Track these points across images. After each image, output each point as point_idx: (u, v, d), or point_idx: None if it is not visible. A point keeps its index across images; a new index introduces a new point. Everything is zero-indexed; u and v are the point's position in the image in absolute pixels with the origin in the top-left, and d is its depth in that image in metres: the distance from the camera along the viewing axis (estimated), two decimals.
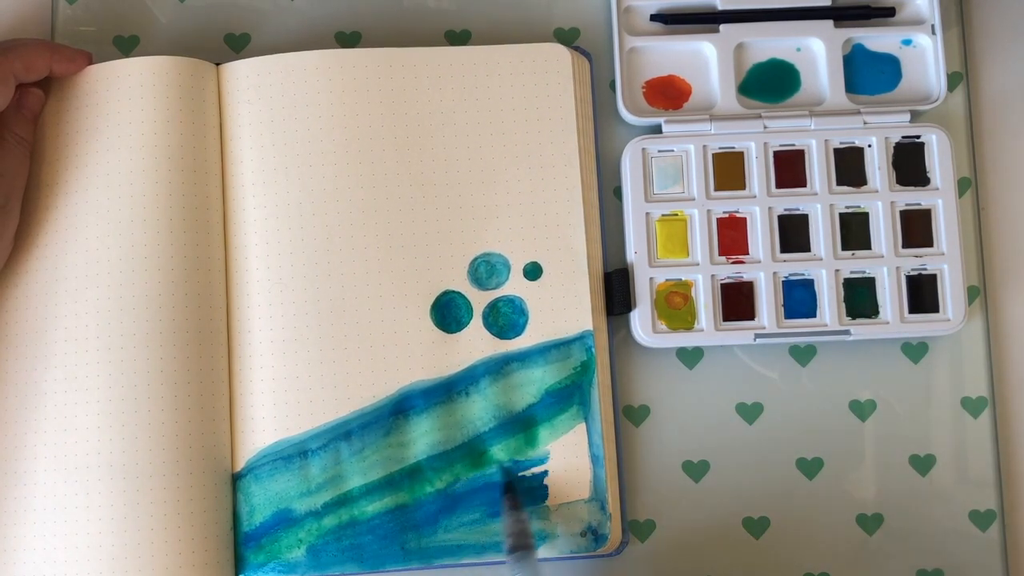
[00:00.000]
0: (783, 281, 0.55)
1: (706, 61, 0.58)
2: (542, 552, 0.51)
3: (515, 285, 0.54)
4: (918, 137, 0.56)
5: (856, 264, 0.55)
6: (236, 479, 0.52)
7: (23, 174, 0.53)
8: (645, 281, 0.55)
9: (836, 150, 0.56)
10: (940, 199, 0.56)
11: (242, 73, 0.54)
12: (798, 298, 0.55)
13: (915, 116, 0.57)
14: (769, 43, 0.58)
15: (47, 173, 0.53)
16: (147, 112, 0.53)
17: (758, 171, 0.56)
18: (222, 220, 0.54)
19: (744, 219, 0.56)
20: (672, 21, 0.58)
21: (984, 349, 0.56)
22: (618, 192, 0.57)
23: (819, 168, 0.56)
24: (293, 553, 0.51)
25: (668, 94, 0.57)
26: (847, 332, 0.54)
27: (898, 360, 0.56)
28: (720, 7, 0.57)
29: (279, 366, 0.52)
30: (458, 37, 0.58)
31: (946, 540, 0.54)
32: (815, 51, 0.58)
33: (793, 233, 0.56)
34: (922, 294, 0.55)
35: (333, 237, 0.53)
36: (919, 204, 0.56)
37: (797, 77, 0.58)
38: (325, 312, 0.52)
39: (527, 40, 0.56)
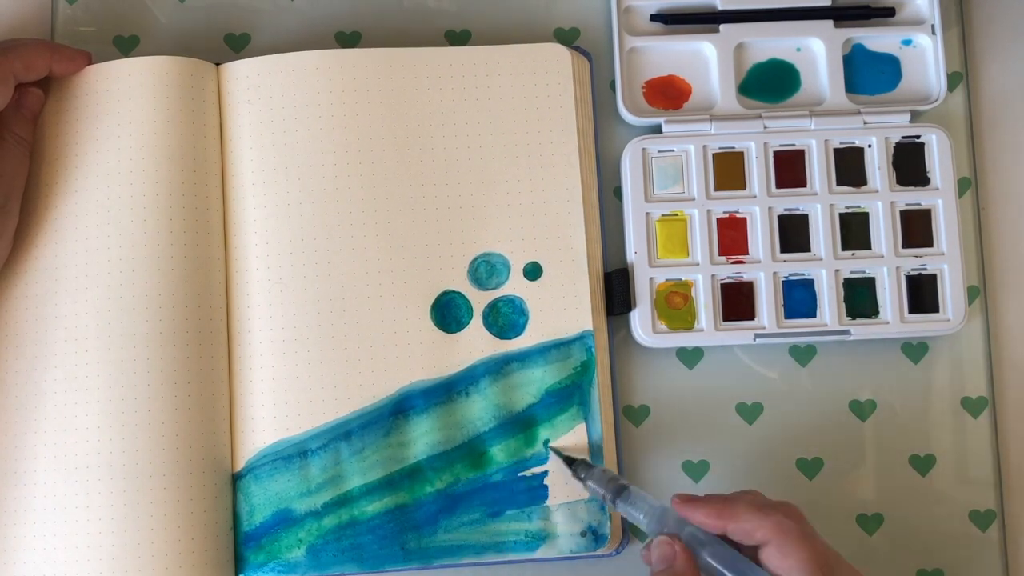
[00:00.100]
0: (783, 281, 0.55)
1: (706, 61, 0.58)
2: (542, 552, 0.51)
3: (515, 285, 0.54)
4: (918, 137, 0.56)
5: (856, 264, 0.55)
6: (236, 479, 0.52)
7: (23, 174, 0.53)
8: (645, 281, 0.55)
9: (836, 150, 0.56)
10: (940, 199, 0.56)
11: (242, 73, 0.54)
12: (798, 298, 0.55)
13: (915, 116, 0.57)
14: (769, 43, 0.58)
15: (47, 173, 0.53)
16: (147, 112, 0.53)
17: (758, 171, 0.56)
18: (222, 220, 0.54)
19: (744, 219, 0.56)
20: (672, 21, 0.58)
21: (984, 349, 0.56)
22: (618, 192, 0.57)
23: (819, 168, 0.56)
24: (293, 553, 0.51)
25: (668, 94, 0.57)
26: (847, 332, 0.54)
27: (898, 360, 0.56)
28: (720, 7, 0.57)
29: (279, 366, 0.52)
30: (458, 37, 0.58)
31: (946, 540, 0.54)
32: (815, 51, 0.58)
33: (793, 233, 0.56)
34: (922, 294, 0.55)
35: (333, 237, 0.53)
36: (919, 204, 0.56)
37: (797, 77, 0.58)
38: (325, 312, 0.52)
39: (527, 40, 0.56)
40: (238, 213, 0.54)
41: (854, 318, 0.55)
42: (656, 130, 0.56)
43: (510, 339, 0.53)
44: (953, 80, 0.58)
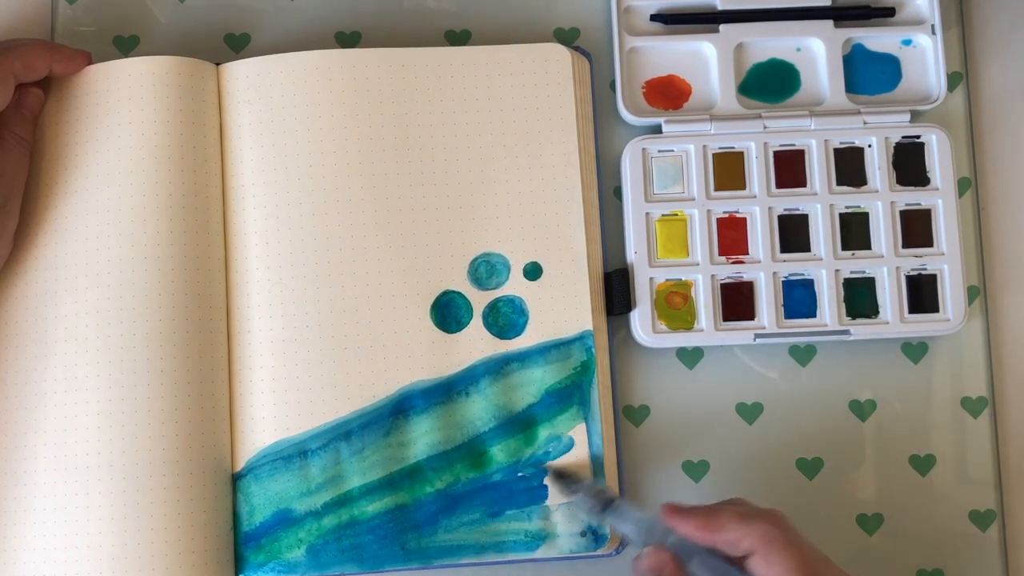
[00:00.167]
0: (783, 281, 0.55)
1: (706, 61, 0.58)
2: (541, 552, 0.51)
3: (515, 285, 0.54)
4: (918, 137, 0.56)
5: (856, 264, 0.55)
6: (236, 479, 0.52)
7: (23, 174, 0.53)
8: (645, 281, 0.55)
9: (836, 150, 0.56)
10: (940, 199, 0.56)
11: (242, 73, 0.54)
12: (798, 298, 0.55)
13: (915, 116, 0.57)
14: (769, 43, 0.58)
15: (47, 173, 0.53)
16: (147, 112, 0.53)
17: (758, 171, 0.56)
18: (222, 220, 0.54)
19: (744, 219, 0.56)
20: (672, 21, 0.58)
21: (984, 349, 0.56)
22: (618, 192, 0.57)
23: (819, 168, 0.56)
24: (293, 553, 0.51)
25: (668, 94, 0.57)
26: (847, 332, 0.54)
27: (898, 360, 0.56)
28: (720, 7, 0.57)
29: (279, 366, 0.52)
30: (458, 37, 0.58)
31: (946, 540, 0.54)
32: (815, 51, 0.58)
33: (793, 233, 0.56)
34: (922, 294, 0.55)
35: (333, 237, 0.53)
36: (919, 204, 0.56)
37: (797, 77, 0.58)
38: (325, 312, 0.52)
39: (527, 40, 0.56)
40: (238, 213, 0.54)
41: (854, 318, 0.55)
42: (656, 130, 0.56)
43: (510, 339, 0.53)
44: (953, 80, 0.58)
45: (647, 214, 0.55)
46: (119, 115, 0.53)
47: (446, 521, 0.51)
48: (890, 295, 0.55)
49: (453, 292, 0.53)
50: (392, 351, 0.52)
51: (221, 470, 0.51)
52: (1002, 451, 0.55)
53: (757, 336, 0.54)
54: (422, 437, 0.52)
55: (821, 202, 0.55)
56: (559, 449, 0.52)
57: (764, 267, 0.55)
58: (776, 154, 0.56)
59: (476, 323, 0.53)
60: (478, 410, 0.52)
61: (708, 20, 0.57)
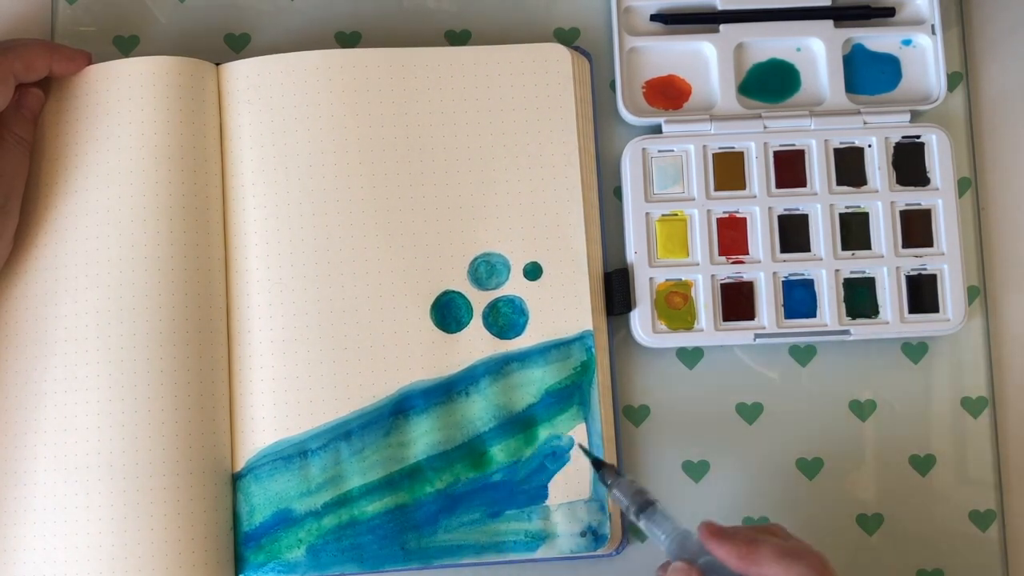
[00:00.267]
0: (783, 281, 0.55)
1: (706, 61, 0.58)
2: (542, 552, 0.51)
3: (515, 285, 0.54)
4: (918, 137, 0.56)
5: (856, 264, 0.55)
6: (236, 479, 0.52)
7: (23, 174, 0.53)
8: (645, 281, 0.55)
9: (836, 150, 0.56)
10: (940, 199, 0.56)
11: (242, 73, 0.54)
12: (798, 298, 0.55)
13: (915, 116, 0.57)
14: (769, 43, 0.58)
15: (47, 173, 0.53)
16: (147, 112, 0.53)
17: (758, 171, 0.56)
18: (222, 220, 0.54)
19: (744, 219, 0.56)
20: (672, 21, 0.58)
21: (984, 349, 0.56)
22: (618, 192, 0.57)
23: (819, 168, 0.56)
24: (293, 553, 0.51)
25: (668, 94, 0.57)
26: (847, 332, 0.54)
27: (898, 360, 0.56)
28: (720, 7, 0.57)
29: (279, 366, 0.52)
30: (458, 37, 0.58)
31: (946, 540, 0.54)
32: (815, 51, 0.58)
33: (793, 233, 0.56)
34: (922, 294, 0.55)
35: (333, 237, 0.53)
36: (919, 204, 0.56)
37: (797, 77, 0.58)
38: (325, 312, 0.52)
39: (527, 40, 0.56)
40: (238, 213, 0.54)
41: (854, 318, 0.55)
42: (656, 130, 0.56)
43: (510, 339, 0.53)
44: (953, 80, 0.58)
45: (647, 214, 0.55)
46: (119, 115, 0.53)
47: (446, 521, 0.51)
48: (890, 295, 0.55)
49: (453, 292, 0.53)
50: (392, 351, 0.52)
51: (221, 470, 0.51)
52: (1002, 451, 0.55)
53: (757, 336, 0.54)
54: (422, 437, 0.52)
55: (821, 202, 0.55)
56: (559, 449, 0.52)
57: (764, 267, 0.55)
58: (776, 154, 0.56)
59: (476, 323, 0.53)
60: (478, 410, 0.52)
61: (708, 20, 0.57)
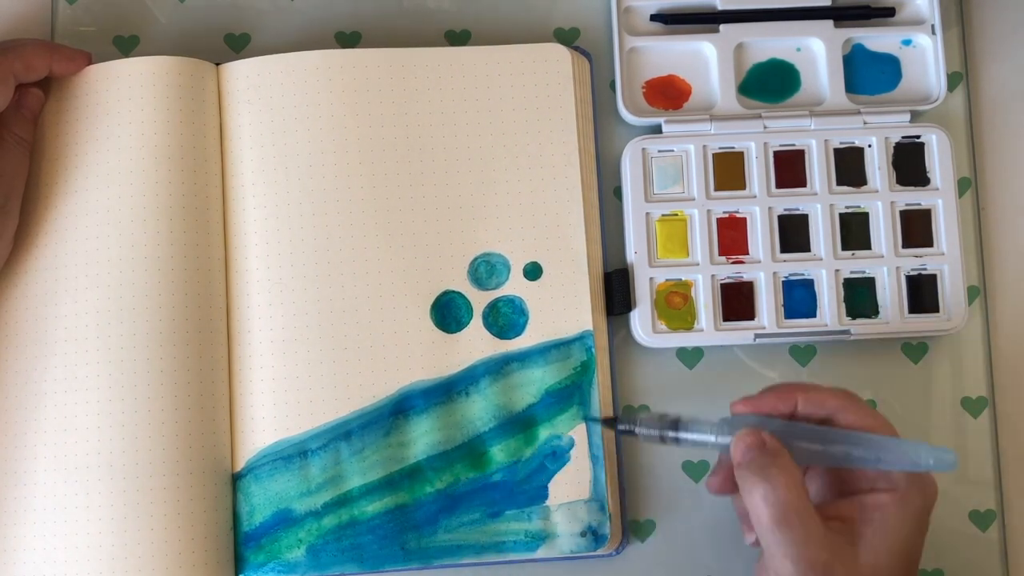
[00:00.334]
0: (783, 281, 0.55)
1: (706, 61, 0.58)
2: (542, 552, 0.51)
3: (515, 285, 0.54)
4: (918, 137, 0.56)
5: (856, 264, 0.55)
6: (236, 479, 0.52)
7: (23, 174, 0.53)
8: (645, 281, 0.55)
9: (836, 150, 0.56)
10: (940, 199, 0.56)
11: (242, 73, 0.54)
12: (798, 298, 0.55)
13: (915, 116, 0.57)
14: (769, 43, 0.58)
15: (47, 173, 0.53)
16: (147, 112, 0.53)
17: (758, 171, 0.56)
18: (222, 220, 0.54)
19: (744, 219, 0.56)
20: (672, 21, 0.58)
21: (984, 349, 0.56)
22: (618, 192, 0.57)
23: (819, 168, 0.56)
24: (293, 553, 0.51)
25: (668, 94, 0.57)
26: (847, 332, 0.54)
27: (898, 360, 0.56)
28: (720, 7, 0.57)
29: (279, 366, 0.52)
30: (458, 37, 0.58)
31: (946, 540, 0.54)
32: (815, 51, 0.58)
33: (793, 233, 0.56)
34: (922, 294, 0.55)
35: (333, 237, 0.53)
36: (919, 204, 0.56)
37: (797, 77, 0.58)
38: (325, 312, 0.52)
39: (527, 40, 0.56)
40: (238, 213, 0.54)
41: (854, 318, 0.55)
42: (656, 130, 0.56)
43: (510, 339, 0.53)
44: (953, 80, 0.58)
45: (647, 214, 0.55)
46: (119, 115, 0.53)
47: (446, 521, 0.51)
48: (890, 295, 0.55)
49: (453, 292, 0.53)
50: (392, 351, 0.52)
51: (221, 470, 0.51)
52: (1002, 451, 0.55)
53: (757, 336, 0.54)
54: (422, 437, 0.52)
55: (821, 202, 0.55)
56: (559, 449, 0.52)
57: (764, 267, 0.55)
58: (776, 154, 0.56)
59: (476, 323, 0.53)
60: (478, 410, 0.52)
61: (708, 20, 0.57)
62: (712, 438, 0.46)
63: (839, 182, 0.56)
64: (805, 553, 0.42)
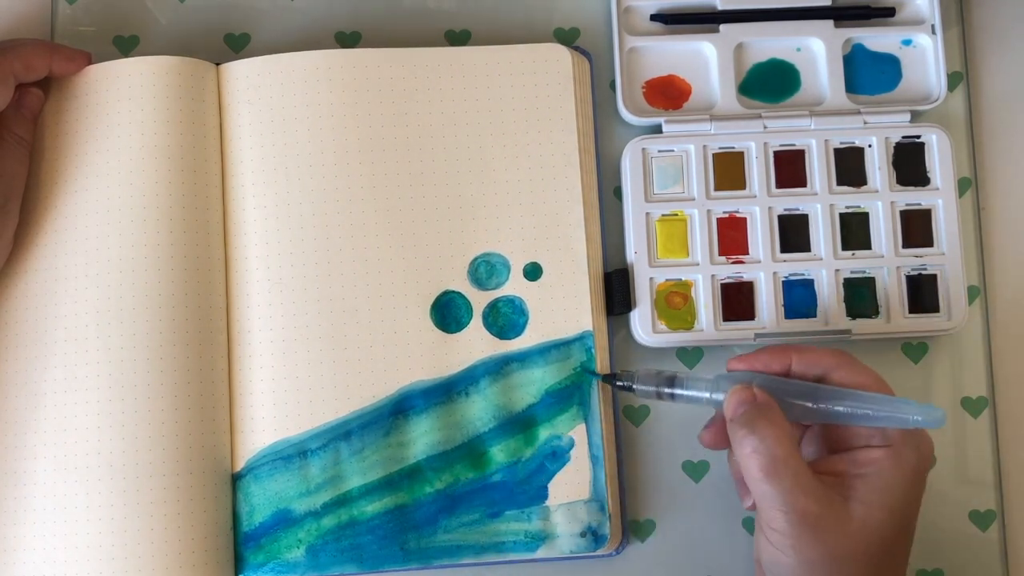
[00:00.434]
0: (783, 281, 0.55)
1: (706, 61, 0.58)
2: (541, 552, 0.51)
3: (515, 285, 0.54)
4: (918, 137, 0.56)
5: (856, 264, 0.55)
6: (236, 479, 0.52)
7: (23, 174, 0.53)
8: (645, 281, 0.55)
9: (836, 150, 0.56)
10: (940, 199, 0.56)
11: (242, 73, 0.54)
12: (798, 298, 0.55)
13: (915, 116, 0.57)
14: (769, 43, 0.58)
15: (47, 173, 0.53)
16: (147, 112, 0.53)
17: (758, 171, 0.56)
18: (222, 220, 0.54)
19: (744, 219, 0.56)
20: (672, 21, 0.58)
21: (984, 349, 0.56)
22: (618, 192, 0.57)
23: (819, 168, 0.56)
24: (292, 553, 0.51)
25: (668, 94, 0.57)
26: (847, 332, 0.54)
27: (898, 360, 0.56)
28: (720, 7, 0.57)
29: (279, 366, 0.52)
30: (458, 37, 0.58)
31: (946, 540, 0.54)
32: (815, 51, 0.58)
33: (793, 233, 0.56)
34: (922, 294, 0.55)
35: (333, 237, 0.53)
36: (919, 204, 0.56)
37: (797, 77, 0.58)
38: (325, 312, 0.52)
39: (527, 40, 0.56)
40: (238, 213, 0.54)
41: (854, 318, 0.55)
42: (656, 130, 0.56)
43: (510, 339, 0.53)
44: (953, 80, 0.58)
45: (647, 214, 0.55)
46: (119, 115, 0.53)
47: (446, 521, 0.51)
48: (890, 295, 0.55)
49: (453, 292, 0.53)
50: (392, 351, 0.52)
51: (221, 470, 0.51)
52: (1002, 451, 0.55)
53: (757, 336, 0.54)
54: (422, 437, 0.52)
55: (821, 202, 0.55)
56: (559, 449, 0.52)
57: (764, 267, 0.55)
58: (776, 154, 0.56)
59: (476, 323, 0.53)
60: (478, 410, 0.52)
61: (708, 20, 0.57)
62: (707, 394, 0.48)
63: (839, 182, 0.56)
64: (796, 504, 0.43)
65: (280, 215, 0.53)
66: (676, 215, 0.56)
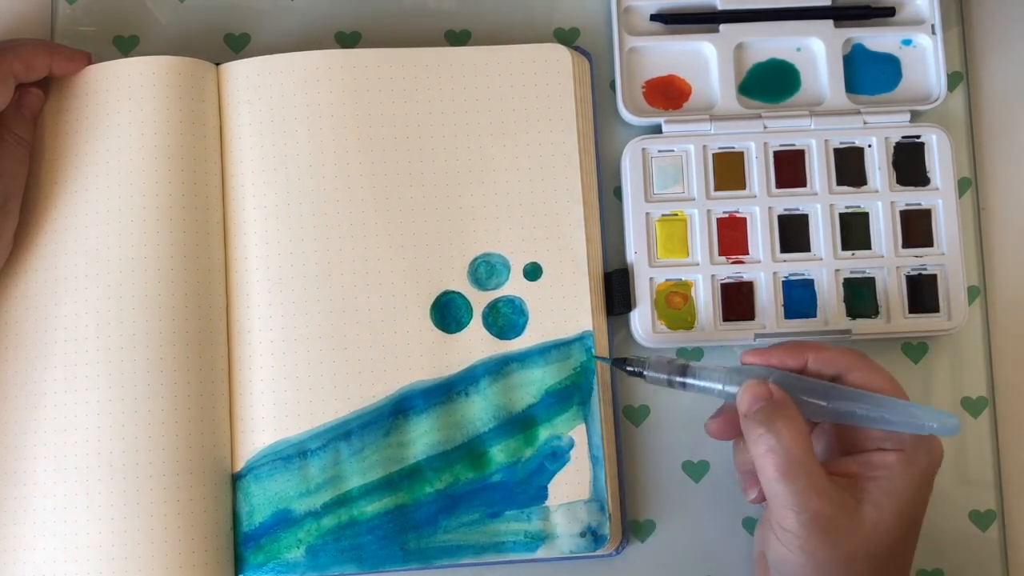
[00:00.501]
0: (783, 281, 0.55)
1: (706, 61, 0.58)
2: (541, 552, 0.51)
3: (515, 285, 0.54)
4: (918, 137, 0.56)
5: (856, 264, 0.55)
6: (236, 479, 0.52)
7: (23, 174, 0.53)
8: (645, 281, 0.55)
9: (836, 150, 0.56)
10: (940, 199, 0.56)
11: (242, 73, 0.54)
12: (798, 298, 0.55)
13: (915, 116, 0.57)
14: (769, 43, 0.58)
15: (47, 173, 0.53)
16: (147, 112, 0.53)
17: (758, 171, 0.56)
18: (222, 220, 0.54)
19: (744, 219, 0.56)
20: (672, 21, 0.57)
21: (984, 349, 0.56)
22: (618, 192, 0.57)
23: (819, 168, 0.56)
24: (292, 553, 0.51)
25: (668, 94, 0.57)
26: (847, 332, 0.54)
27: (898, 360, 0.56)
28: (720, 7, 0.57)
29: (279, 366, 0.52)
30: (458, 37, 0.58)
31: (946, 540, 0.54)
32: (815, 51, 0.58)
33: (793, 233, 0.56)
34: (922, 294, 0.55)
35: (333, 237, 0.53)
36: (919, 204, 0.56)
37: (797, 77, 0.58)
38: (325, 312, 0.52)
39: (527, 40, 0.56)
40: (238, 213, 0.54)
41: (854, 318, 0.55)
42: (656, 130, 0.56)
43: (510, 339, 0.53)
44: (953, 80, 0.58)
45: (647, 214, 0.55)
46: (119, 115, 0.53)
47: (446, 521, 0.51)
48: (890, 295, 0.55)
49: (453, 292, 0.53)
50: (392, 351, 0.52)
51: (221, 470, 0.51)
52: (1002, 451, 0.55)
53: (757, 336, 0.54)
54: (422, 437, 0.52)
55: (821, 202, 0.55)
56: (559, 449, 0.52)
57: (764, 267, 0.55)
58: (776, 154, 0.56)
59: (476, 323, 0.53)
60: (478, 410, 0.52)
61: (708, 20, 0.57)
62: (719, 386, 0.47)
63: (839, 182, 0.56)
64: (809, 505, 0.43)
65: (280, 215, 0.53)
66: (676, 215, 0.56)
